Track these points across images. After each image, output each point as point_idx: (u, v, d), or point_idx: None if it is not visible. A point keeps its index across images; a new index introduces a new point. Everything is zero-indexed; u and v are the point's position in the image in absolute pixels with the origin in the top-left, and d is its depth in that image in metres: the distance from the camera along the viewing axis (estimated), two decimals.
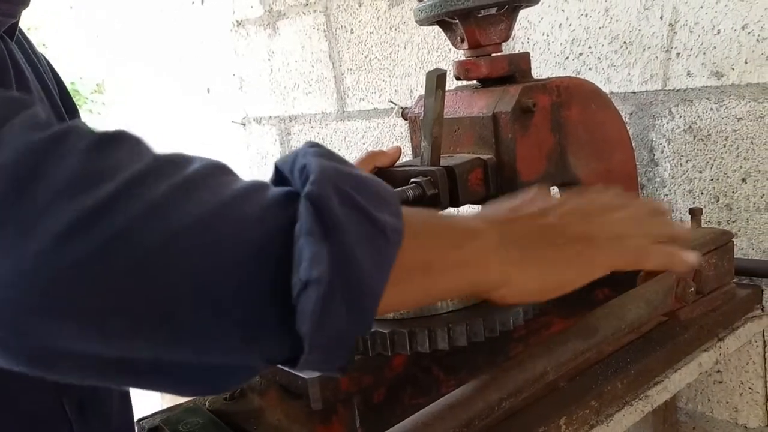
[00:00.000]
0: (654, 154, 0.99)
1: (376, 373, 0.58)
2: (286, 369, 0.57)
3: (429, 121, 0.68)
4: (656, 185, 0.99)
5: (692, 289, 0.65)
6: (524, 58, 0.77)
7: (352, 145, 1.55)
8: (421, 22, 0.78)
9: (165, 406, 0.71)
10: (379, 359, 0.57)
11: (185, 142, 2.24)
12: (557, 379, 0.67)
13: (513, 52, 0.79)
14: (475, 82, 0.79)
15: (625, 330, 0.61)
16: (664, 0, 0.93)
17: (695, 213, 0.73)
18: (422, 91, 0.68)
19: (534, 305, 0.60)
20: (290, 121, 1.73)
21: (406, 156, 1.37)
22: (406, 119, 0.83)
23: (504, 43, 0.78)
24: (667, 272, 0.65)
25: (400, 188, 0.66)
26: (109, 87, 2.70)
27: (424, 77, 0.66)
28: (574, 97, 0.74)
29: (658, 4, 0.94)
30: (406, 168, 0.71)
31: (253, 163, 1.89)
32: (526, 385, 0.54)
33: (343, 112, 1.55)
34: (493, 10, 0.73)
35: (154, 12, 2.18)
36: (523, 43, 1.13)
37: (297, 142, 1.72)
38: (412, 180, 0.67)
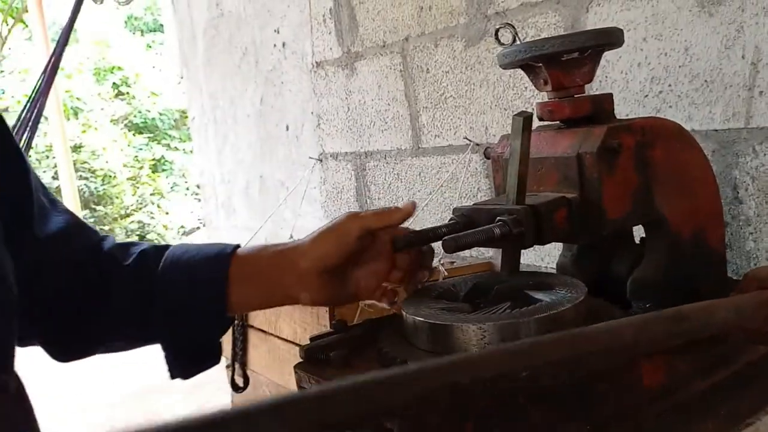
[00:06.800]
0: (738, 192, 0.98)
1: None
2: None
3: (515, 161, 0.71)
4: (741, 223, 0.98)
5: None
6: (607, 98, 0.79)
7: (426, 180, 1.58)
8: (506, 66, 0.81)
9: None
10: None
11: (264, 178, 2.33)
12: (643, 420, 0.67)
13: (596, 93, 0.81)
14: (557, 122, 0.81)
15: (712, 328, 0.59)
16: (746, 40, 0.93)
17: None
18: (497, 129, 0.71)
19: None
20: (365, 156, 1.78)
21: (482, 193, 1.40)
22: (488, 158, 0.86)
23: None
24: (759, 290, 0.64)
25: (487, 226, 0.69)
26: (191, 125, 2.84)
27: (499, 114, 0.69)
28: (659, 136, 0.75)
29: (740, 44, 0.94)
30: (492, 206, 0.74)
31: (329, 197, 1.95)
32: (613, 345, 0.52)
33: (418, 148, 1.59)
34: (577, 54, 0.76)
35: (238, 54, 2.29)
36: (600, 81, 1.14)
37: (372, 177, 1.77)
38: (498, 218, 0.69)
